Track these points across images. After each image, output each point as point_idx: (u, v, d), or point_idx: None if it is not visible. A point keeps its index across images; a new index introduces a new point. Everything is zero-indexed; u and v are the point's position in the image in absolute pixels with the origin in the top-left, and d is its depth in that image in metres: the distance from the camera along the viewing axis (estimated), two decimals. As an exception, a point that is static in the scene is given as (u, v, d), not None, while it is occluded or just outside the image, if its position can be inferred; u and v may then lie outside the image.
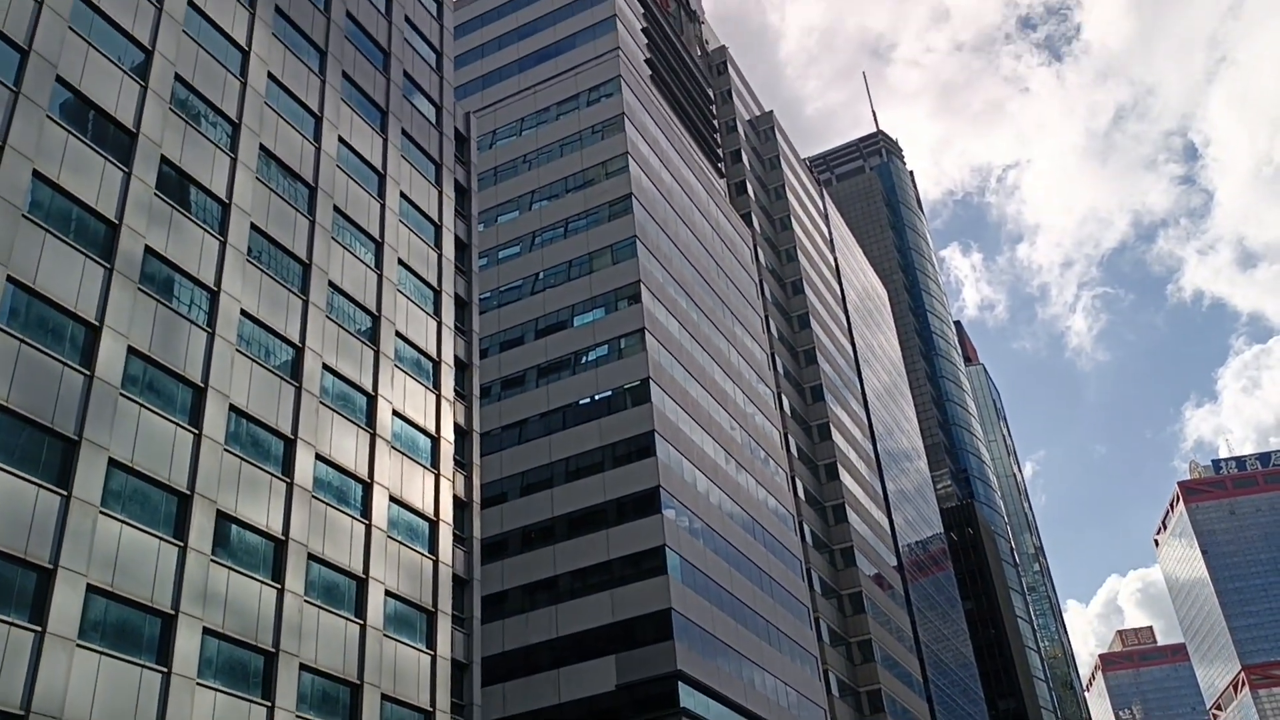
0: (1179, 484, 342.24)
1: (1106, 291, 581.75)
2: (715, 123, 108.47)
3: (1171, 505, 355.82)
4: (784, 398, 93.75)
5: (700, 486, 68.19)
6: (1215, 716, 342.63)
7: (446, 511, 47.76)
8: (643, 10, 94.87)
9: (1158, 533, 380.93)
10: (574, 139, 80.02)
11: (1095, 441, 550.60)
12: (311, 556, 39.35)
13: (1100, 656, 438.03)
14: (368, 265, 47.42)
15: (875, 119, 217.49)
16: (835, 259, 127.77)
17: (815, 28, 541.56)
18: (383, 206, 49.62)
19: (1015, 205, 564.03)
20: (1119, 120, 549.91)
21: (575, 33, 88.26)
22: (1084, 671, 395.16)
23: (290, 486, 39.17)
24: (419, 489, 46.51)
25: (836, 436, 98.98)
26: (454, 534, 48.90)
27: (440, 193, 55.41)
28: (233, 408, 37.84)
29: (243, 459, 37.54)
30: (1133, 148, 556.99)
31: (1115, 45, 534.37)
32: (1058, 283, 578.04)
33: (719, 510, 69.75)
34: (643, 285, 70.41)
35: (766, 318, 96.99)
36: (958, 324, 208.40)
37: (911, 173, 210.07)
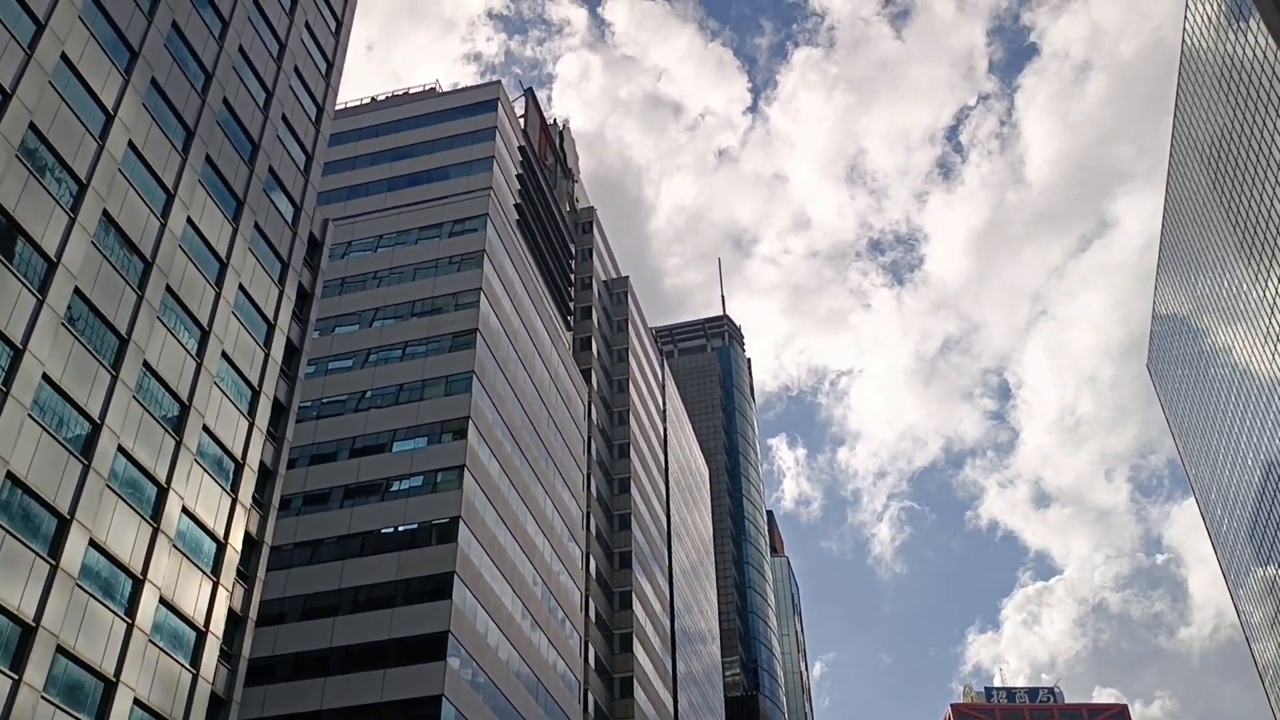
0: (951, 706, 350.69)
1: (913, 507, 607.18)
2: (572, 277, 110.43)
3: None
4: (592, 559, 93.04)
5: (491, 639, 66.27)
6: None
7: (218, 624, 44.87)
8: (520, 158, 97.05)
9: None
10: (430, 265, 79.98)
11: (883, 651, 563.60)
12: (61, 649, 36.13)
13: None
14: (189, 352, 45.51)
15: (724, 303, 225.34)
16: (665, 429, 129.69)
17: (686, 209, 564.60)
18: (218, 296, 48.05)
19: (843, 410, 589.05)
20: (945, 350, 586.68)
21: (451, 164, 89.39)
22: None
23: (54, 570, 36.18)
24: (193, 595, 43.67)
25: (637, 607, 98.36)
26: (221, 649, 45.85)
27: (281, 293, 54.12)
28: (10, 475, 35.07)
29: (8, 531, 34.59)
30: (954, 377, 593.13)
31: (952, 282, 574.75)
32: (870, 491, 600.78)
33: (506, 666, 67.73)
34: (471, 422, 69.66)
35: (589, 476, 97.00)
36: (770, 513, 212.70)
37: (750, 360, 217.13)
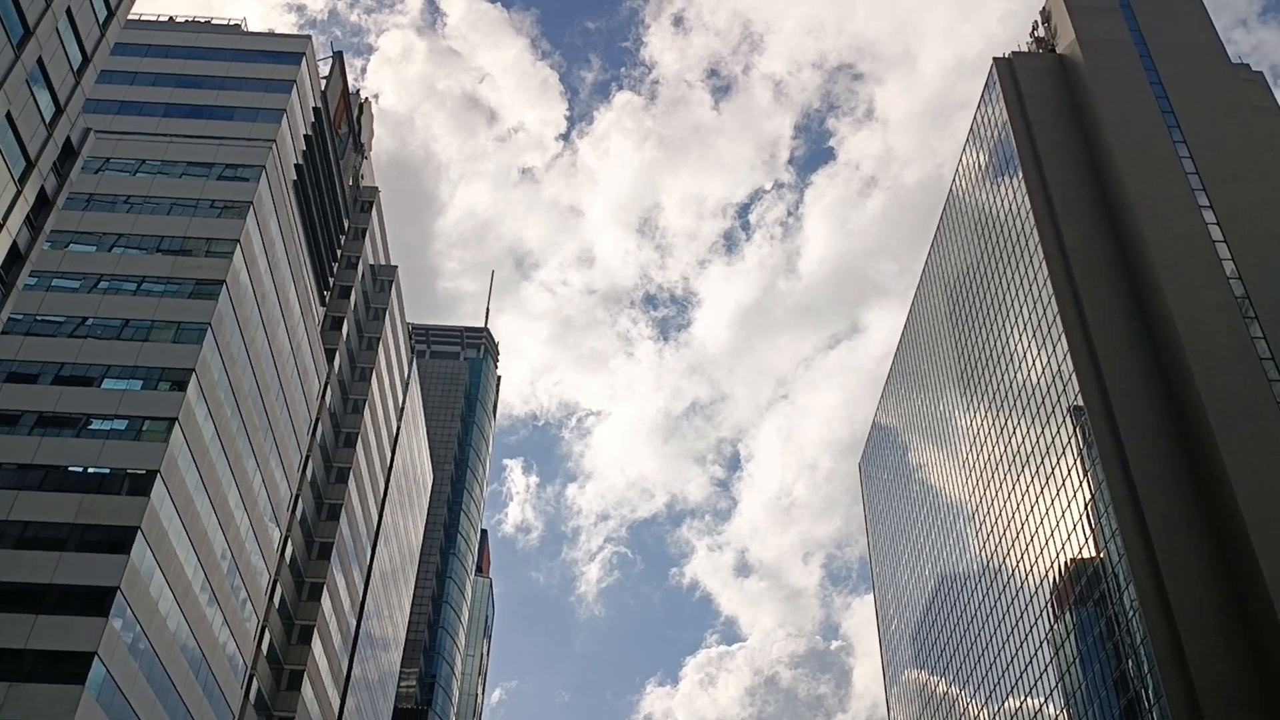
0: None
1: (625, 554, 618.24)
2: (339, 253, 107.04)
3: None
4: (290, 544, 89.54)
5: (163, 605, 62.43)
6: None
7: None
8: (313, 120, 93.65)
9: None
10: (190, 204, 75.71)
11: (564, 688, 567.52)
12: None
13: None
14: (-106, 231, 40.94)
15: (488, 317, 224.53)
16: (398, 428, 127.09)
17: (477, 217, 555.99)
18: (-56, 179, 43.60)
19: (583, 448, 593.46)
20: (691, 412, 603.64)
21: (238, 106, 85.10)
22: None
23: None
24: None
25: (325, 601, 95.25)
26: None
27: (19, 193, 49.68)
28: None
29: None
30: (693, 440, 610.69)
31: (712, 350, 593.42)
32: (589, 531, 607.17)
33: (172, 636, 63.92)
34: (195, 375, 65.96)
35: (307, 458, 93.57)
36: (485, 533, 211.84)
37: (500, 379, 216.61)
